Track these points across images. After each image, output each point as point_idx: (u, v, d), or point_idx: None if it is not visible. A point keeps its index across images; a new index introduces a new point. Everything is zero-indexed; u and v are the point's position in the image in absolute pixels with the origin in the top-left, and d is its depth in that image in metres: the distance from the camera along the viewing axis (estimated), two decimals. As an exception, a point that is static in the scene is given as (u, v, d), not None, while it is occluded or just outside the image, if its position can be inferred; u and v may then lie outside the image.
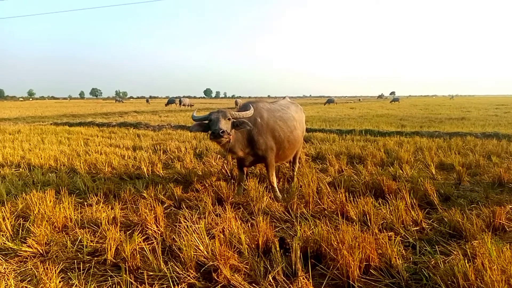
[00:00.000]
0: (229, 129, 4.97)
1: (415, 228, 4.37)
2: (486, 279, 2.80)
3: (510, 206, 4.98)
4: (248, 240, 3.84)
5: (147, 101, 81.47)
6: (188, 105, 47.50)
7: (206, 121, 5.18)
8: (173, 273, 3.30)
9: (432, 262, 3.45)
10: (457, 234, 4.17)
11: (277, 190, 5.84)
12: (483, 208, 4.82)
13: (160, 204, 5.03)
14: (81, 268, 3.58)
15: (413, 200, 4.95)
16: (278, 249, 3.47)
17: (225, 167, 7.34)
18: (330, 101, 52.46)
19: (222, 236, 4.01)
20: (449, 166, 7.64)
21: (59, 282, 3.27)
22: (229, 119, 5.05)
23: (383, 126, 16.18)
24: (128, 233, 4.30)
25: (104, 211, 5.03)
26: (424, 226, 4.46)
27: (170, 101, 52.11)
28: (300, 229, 3.90)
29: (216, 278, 3.20)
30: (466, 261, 3.06)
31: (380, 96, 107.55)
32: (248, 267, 3.39)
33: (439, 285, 2.94)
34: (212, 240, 3.70)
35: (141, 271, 3.43)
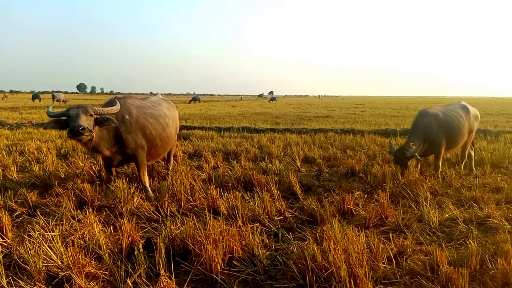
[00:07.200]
0: (91, 126, 4.59)
1: (278, 218, 4.71)
2: (331, 259, 3.15)
3: (358, 193, 5.73)
4: (110, 244, 3.62)
5: (5, 96, 69.51)
6: (62, 101, 42.86)
7: (64, 117, 4.70)
8: (15, 289, 2.90)
9: (290, 248, 3.75)
10: (313, 220, 4.63)
11: (150, 189, 5.65)
12: (335, 196, 5.45)
13: (8, 212, 4.39)
14: None
15: (278, 192, 5.33)
16: (141, 250, 3.34)
17: (93, 168, 6.78)
18: (195, 99, 50.97)
19: (82, 242, 3.69)
20: (312, 159, 8.44)
21: None
22: (91, 115, 4.67)
23: (260, 123, 17.04)
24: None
25: None
26: (287, 215, 4.83)
27: (34, 96, 46.22)
28: (165, 229, 3.83)
29: (68, 289, 2.92)
30: (315, 244, 3.42)
31: (260, 95, 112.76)
32: (107, 273, 3.18)
33: (292, 268, 3.22)
34: (67, 249, 3.37)
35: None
